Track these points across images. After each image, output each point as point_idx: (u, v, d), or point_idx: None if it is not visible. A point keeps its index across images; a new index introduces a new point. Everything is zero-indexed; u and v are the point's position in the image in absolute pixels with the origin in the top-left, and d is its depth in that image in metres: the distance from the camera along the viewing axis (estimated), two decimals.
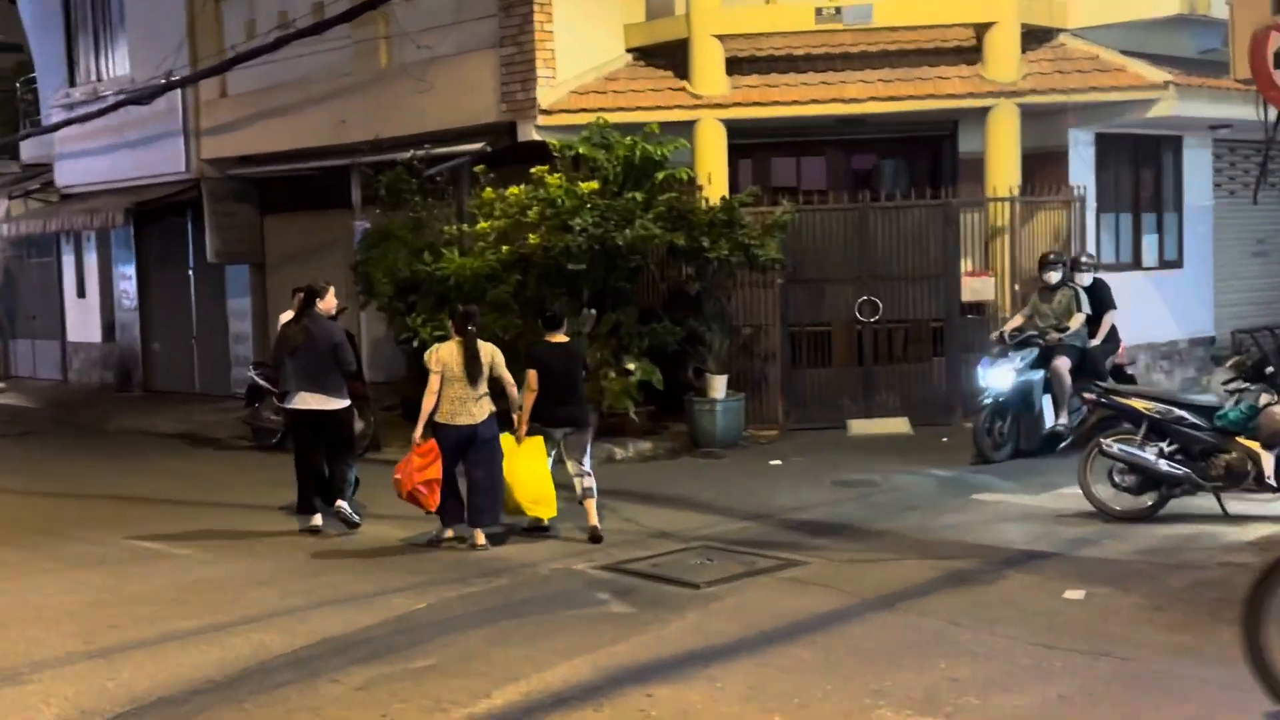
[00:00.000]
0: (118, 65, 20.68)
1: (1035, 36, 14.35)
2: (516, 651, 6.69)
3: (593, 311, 12.97)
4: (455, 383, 9.13)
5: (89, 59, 21.40)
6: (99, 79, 21.01)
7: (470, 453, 9.21)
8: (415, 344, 13.59)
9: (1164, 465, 9.02)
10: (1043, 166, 14.37)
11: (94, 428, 17.89)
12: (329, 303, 10.55)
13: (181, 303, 20.81)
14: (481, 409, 9.19)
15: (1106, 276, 15.14)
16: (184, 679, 6.45)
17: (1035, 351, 11.58)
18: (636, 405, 12.90)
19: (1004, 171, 13.93)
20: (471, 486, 9.31)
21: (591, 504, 9.42)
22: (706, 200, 13.48)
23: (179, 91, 18.10)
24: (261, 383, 14.34)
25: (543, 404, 9.38)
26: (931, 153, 15.15)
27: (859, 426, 13.58)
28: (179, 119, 18.89)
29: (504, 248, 13.14)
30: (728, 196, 13.40)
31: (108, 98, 19.26)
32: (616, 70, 14.59)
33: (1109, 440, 9.19)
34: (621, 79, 14.45)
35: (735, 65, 14.31)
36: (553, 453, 9.52)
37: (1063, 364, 11.54)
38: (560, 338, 9.74)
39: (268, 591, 8.17)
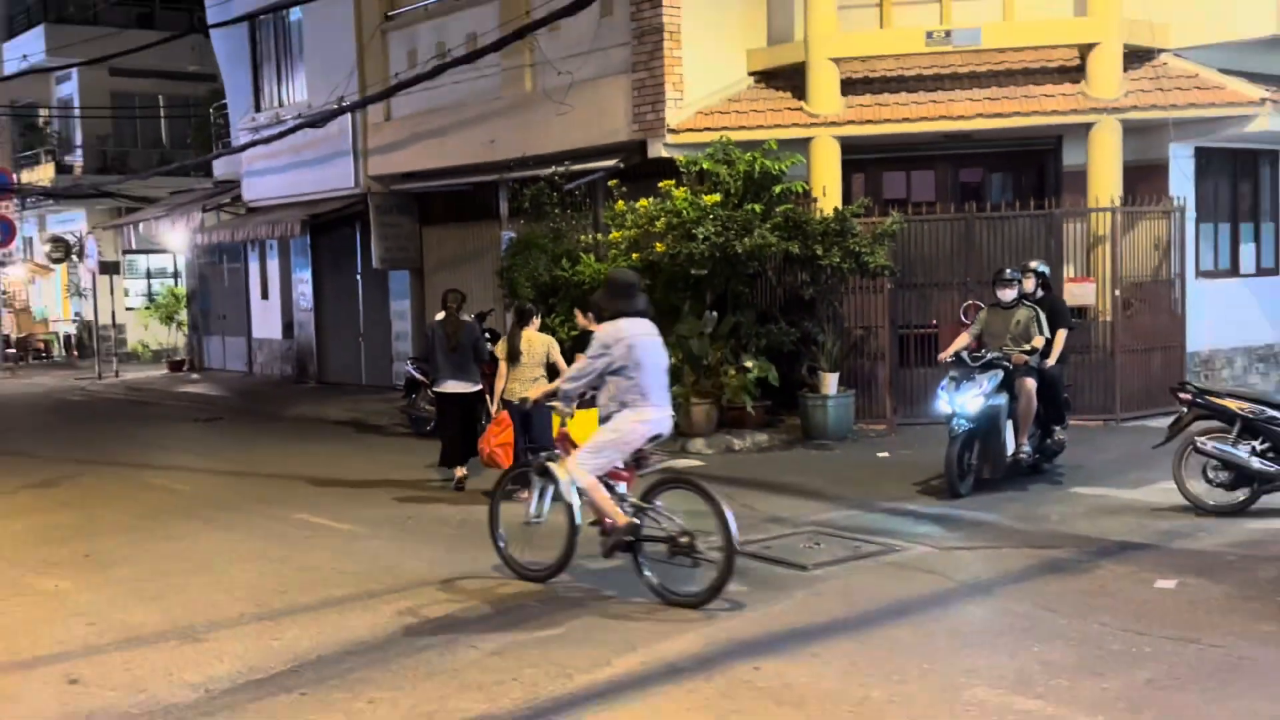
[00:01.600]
0: (296, 93, 21.27)
1: (1136, 56, 13.88)
2: (635, 624, 6.68)
3: (714, 314, 12.94)
4: (512, 367, 10.16)
5: (272, 87, 22.04)
6: (280, 105, 21.63)
7: (530, 424, 10.05)
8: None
9: (1256, 463, 8.70)
10: (1144, 179, 13.88)
11: (273, 415, 18.39)
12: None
13: (350, 304, 21.29)
14: (535, 389, 9.83)
15: (1206, 283, 14.65)
16: (340, 641, 6.58)
17: (1001, 374, 9.78)
18: (753, 400, 12.82)
19: (1106, 183, 13.49)
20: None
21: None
22: (820, 211, 13.32)
23: (349, 115, 18.52)
24: (418, 376, 14.61)
25: None
26: (1036, 166, 14.76)
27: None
28: (349, 140, 19.36)
29: (634, 255, 13.16)
30: (840, 208, 13.22)
31: (287, 122, 19.77)
32: (738, 92, 14.53)
33: (1204, 439, 8.89)
34: (743, 100, 14.38)
35: (849, 86, 14.14)
36: None
37: (1032, 386, 9.92)
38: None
39: (417, 564, 8.29)
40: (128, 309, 30.16)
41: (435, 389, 11.53)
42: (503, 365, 10.29)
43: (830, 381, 12.86)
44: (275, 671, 6.13)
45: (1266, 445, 8.73)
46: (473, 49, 15.47)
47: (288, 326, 23.17)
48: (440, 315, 11.54)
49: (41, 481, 12.32)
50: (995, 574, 7.56)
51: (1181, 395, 9.30)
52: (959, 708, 5.37)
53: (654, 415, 7.25)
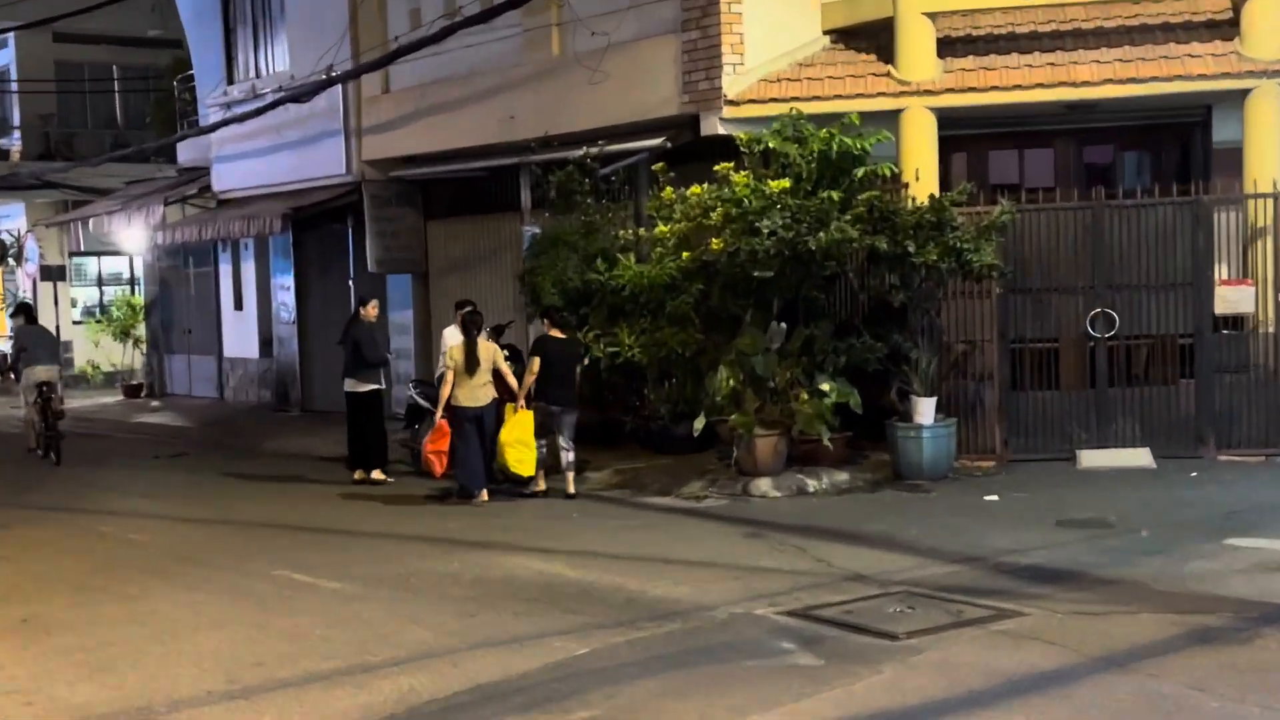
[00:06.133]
0: (277, 61, 21.47)
1: None
2: (688, 706, 6.60)
3: (783, 325, 12.89)
4: (462, 374, 12.59)
5: (247, 55, 22.28)
6: (257, 76, 21.86)
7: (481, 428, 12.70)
8: (586, 361, 13.73)
9: None
10: None
11: (249, 450, 18.48)
12: (371, 311, 15.16)
13: (342, 315, 21.00)
14: (485, 394, 12.70)
15: None
16: None
17: None
18: (832, 431, 12.71)
19: (1267, 163, 13.33)
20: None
21: (571, 475, 12.84)
22: (913, 199, 13.26)
23: (339, 88, 18.70)
24: (423, 403, 14.61)
25: (543, 386, 12.59)
26: (1179, 143, 14.64)
27: (1090, 458, 13.16)
28: (339, 118, 19.50)
29: (684, 254, 13.18)
30: (937, 195, 13.15)
31: (266, 96, 20.02)
32: (812, 55, 14.52)
33: None
34: (817, 64, 14.37)
35: (947, 46, 14.10)
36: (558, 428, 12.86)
37: None
38: (561, 334, 12.92)
39: (420, 630, 8.23)
40: (75, 322, 30.50)
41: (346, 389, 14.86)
42: (449, 373, 12.76)
43: (925, 408, 12.77)
44: None
45: None
46: (488, 6, 15.53)
47: (266, 343, 23.32)
48: (354, 321, 14.88)
49: None
50: (1130, 645, 7.43)
51: None
52: None
53: (41, 374, 17.17)
